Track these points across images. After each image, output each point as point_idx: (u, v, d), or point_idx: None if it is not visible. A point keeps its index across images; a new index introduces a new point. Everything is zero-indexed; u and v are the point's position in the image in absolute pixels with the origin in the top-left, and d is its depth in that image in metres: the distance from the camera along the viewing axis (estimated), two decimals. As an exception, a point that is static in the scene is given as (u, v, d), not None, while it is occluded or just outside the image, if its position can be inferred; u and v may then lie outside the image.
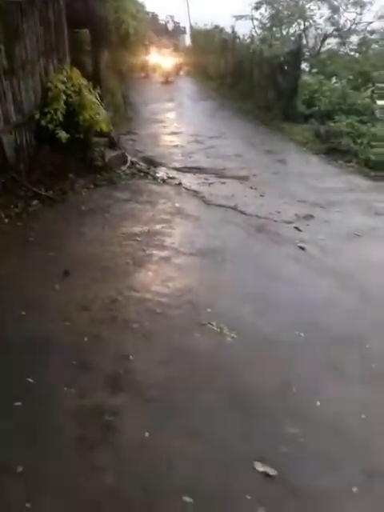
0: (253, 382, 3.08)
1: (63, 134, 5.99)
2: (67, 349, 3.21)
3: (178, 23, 33.61)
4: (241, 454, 2.53)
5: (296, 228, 5.99)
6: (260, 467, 2.43)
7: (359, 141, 10.52)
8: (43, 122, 5.86)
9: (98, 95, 6.66)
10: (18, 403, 2.64)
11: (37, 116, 5.82)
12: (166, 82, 18.44)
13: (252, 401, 2.93)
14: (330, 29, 23.65)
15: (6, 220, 5.13)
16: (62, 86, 5.99)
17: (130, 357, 3.19)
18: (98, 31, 9.10)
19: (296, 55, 12.18)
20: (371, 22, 23.17)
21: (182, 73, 21.04)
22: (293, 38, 22.22)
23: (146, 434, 2.55)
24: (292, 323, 3.77)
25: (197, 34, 23.18)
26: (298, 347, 3.49)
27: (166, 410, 2.76)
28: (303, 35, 13.41)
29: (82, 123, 6.31)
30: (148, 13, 24.33)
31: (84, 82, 6.50)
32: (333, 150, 10.22)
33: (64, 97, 6.02)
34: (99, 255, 4.75)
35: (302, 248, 5.38)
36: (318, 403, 2.93)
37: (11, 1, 5.22)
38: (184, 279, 4.41)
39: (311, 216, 6.49)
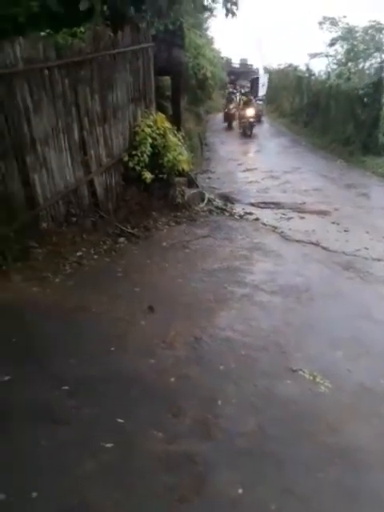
0: (352, 436, 2.78)
1: (149, 175, 6.24)
2: (154, 389, 3.15)
3: (251, 65, 34.79)
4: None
5: (387, 266, 5.58)
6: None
7: None
8: (131, 164, 6.15)
9: (180, 137, 6.90)
10: (109, 444, 2.59)
11: (125, 158, 6.13)
12: (248, 136, 16.43)
13: (353, 457, 2.63)
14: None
15: (96, 256, 5.35)
16: (148, 130, 6.30)
17: (219, 402, 3.04)
18: (179, 77, 9.56)
19: (377, 87, 11.84)
20: None
21: (263, 120, 19.59)
22: (368, 72, 21.93)
23: (240, 491, 2.36)
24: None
25: (270, 74, 23.65)
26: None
27: (260, 463, 2.56)
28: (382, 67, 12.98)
29: (166, 164, 6.54)
30: (222, 57, 25.49)
31: (168, 125, 6.78)
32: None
33: (150, 140, 6.31)
34: (181, 291, 4.75)
35: (395, 288, 4.97)
36: None
37: (105, 54, 5.65)
38: (268, 319, 4.23)
39: (403, 253, 6.03)
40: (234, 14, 5.69)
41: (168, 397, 3.07)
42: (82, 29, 5.49)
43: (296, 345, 3.74)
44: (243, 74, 32.12)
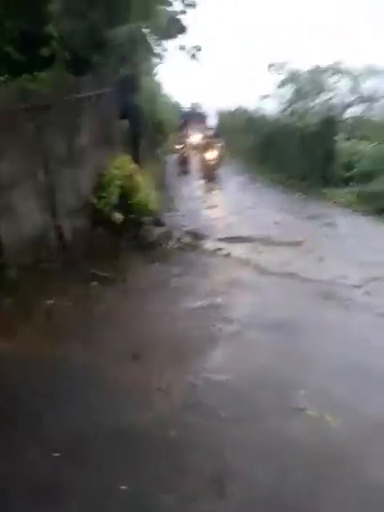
0: (377, 478, 2.57)
1: (118, 216, 6.09)
2: (154, 445, 2.84)
3: (202, 108, 36.29)
4: None
5: (367, 293, 5.59)
6: None
7: (406, 200, 10.31)
8: (99, 206, 5.98)
9: (147, 178, 6.85)
10: (114, 518, 2.25)
11: (93, 200, 5.96)
12: (211, 180, 15.34)
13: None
14: (350, 98, 24.78)
15: (68, 303, 5.02)
16: (115, 172, 6.20)
17: (226, 452, 2.77)
18: (137, 121, 9.71)
19: (330, 122, 12.52)
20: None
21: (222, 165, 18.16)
22: (313, 111, 23.46)
23: None
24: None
25: (221, 117, 24.63)
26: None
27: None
28: (337, 105, 13.84)
29: (136, 204, 6.43)
30: (174, 101, 26.41)
31: (134, 166, 6.73)
32: (381, 211, 9.99)
33: (118, 181, 6.20)
34: (167, 334, 4.49)
35: (381, 315, 4.94)
36: None
37: (69, 98, 5.58)
38: (263, 356, 4.03)
39: (380, 279, 6.09)
40: (196, 58, 5.87)
41: (172, 453, 2.77)
42: (44, 74, 5.42)
43: (296, 382, 3.55)
44: (195, 117, 33.42)
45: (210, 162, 15.46)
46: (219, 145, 16.98)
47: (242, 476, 2.59)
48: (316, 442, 2.88)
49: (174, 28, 7.16)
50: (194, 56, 5.89)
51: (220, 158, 16.63)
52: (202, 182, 15.66)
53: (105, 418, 3.09)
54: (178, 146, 18.00)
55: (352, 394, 3.39)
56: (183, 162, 17.66)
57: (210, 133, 19.92)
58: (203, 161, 15.86)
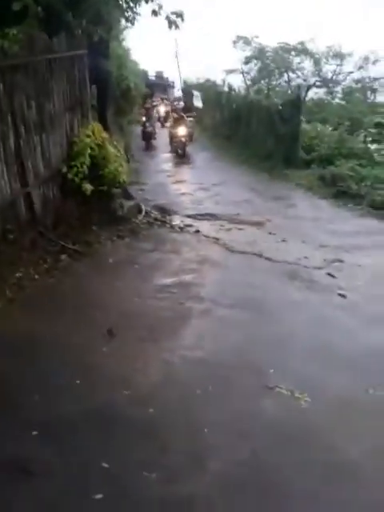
0: (345, 453, 2.78)
1: (89, 187, 5.91)
2: (134, 423, 2.89)
3: (167, 78, 35.23)
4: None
5: (329, 274, 5.85)
6: None
7: (363, 183, 10.71)
8: (70, 175, 5.77)
9: (119, 148, 6.64)
10: (99, 495, 2.30)
11: (64, 170, 5.73)
12: (180, 156, 14.67)
13: (354, 475, 2.62)
14: (312, 80, 25.07)
15: (37, 276, 4.88)
16: (87, 140, 5.97)
17: (205, 430, 2.88)
18: (106, 87, 9.29)
19: (296, 103, 12.61)
20: (351, 72, 24.65)
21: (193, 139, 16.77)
22: (278, 89, 23.53)
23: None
24: (363, 380, 3.52)
25: (189, 88, 24.09)
26: (379, 408, 3.22)
27: (266, 494, 2.44)
28: (301, 86, 13.93)
29: (107, 175, 6.25)
30: (141, 69, 25.45)
31: (106, 135, 6.50)
32: (340, 194, 10.35)
33: (89, 150, 5.97)
34: (139, 311, 4.51)
35: (342, 295, 5.21)
36: None
37: (41, 59, 5.25)
38: (234, 334, 4.16)
39: (340, 260, 6.39)
40: (177, 26, 5.65)
41: (151, 431, 2.84)
42: (15, 31, 5.03)
43: (266, 360, 3.71)
44: (160, 87, 32.36)
45: (180, 138, 14.52)
46: (190, 119, 16.04)
47: (220, 454, 2.71)
48: (288, 420, 3.05)
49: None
50: (173, 23, 5.65)
51: (191, 135, 15.64)
52: (170, 157, 15.04)
53: (80, 398, 3.09)
54: (143, 118, 16.71)
55: (317, 372, 3.59)
56: (148, 137, 16.34)
57: (180, 105, 18.47)
58: (173, 136, 14.86)
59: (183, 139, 14.56)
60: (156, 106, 19.22)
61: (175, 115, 15.83)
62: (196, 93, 20.00)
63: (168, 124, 17.89)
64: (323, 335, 4.19)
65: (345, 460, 2.69)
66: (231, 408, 3.13)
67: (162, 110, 19.70)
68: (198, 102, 19.53)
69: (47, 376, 3.31)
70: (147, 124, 16.32)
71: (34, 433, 2.68)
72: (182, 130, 14.62)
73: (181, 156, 14.59)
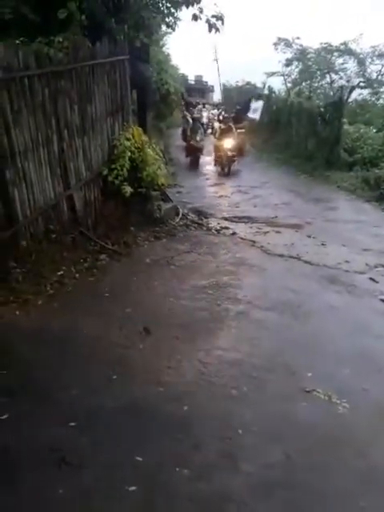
0: (381, 459, 2.69)
1: (128, 189, 6.03)
2: (168, 419, 2.92)
3: (207, 82, 35.41)
4: None
5: (371, 279, 5.67)
6: None
7: (409, 187, 10.32)
8: (110, 178, 5.91)
9: (158, 151, 6.75)
10: (133, 487, 2.34)
11: (105, 172, 5.89)
12: (225, 174, 12.67)
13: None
14: (355, 80, 24.37)
15: (77, 275, 5.03)
16: (127, 143, 6.10)
17: (239, 431, 2.86)
18: (146, 92, 9.49)
19: (337, 106, 12.33)
20: (398, 73, 23.72)
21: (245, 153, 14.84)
22: (320, 91, 23.05)
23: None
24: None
25: (228, 91, 24.13)
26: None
27: (297, 496, 2.39)
28: (344, 87, 13.60)
29: (145, 178, 6.36)
30: (181, 74, 25.77)
31: (146, 138, 6.61)
32: (385, 197, 10.02)
33: (129, 153, 6.11)
34: (175, 310, 4.55)
35: (384, 301, 5.04)
36: None
37: (84, 65, 5.43)
38: (271, 337, 4.12)
39: (383, 265, 6.17)
40: (217, 29, 5.68)
41: (185, 428, 2.85)
42: (60, 38, 5.24)
43: (304, 364, 3.64)
44: (199, 91, 32.56)
45: (226, 152, 12.47)
46: (241, 130, 14.04)
47: (253, 454, 2.68)
48: (324, 423, 2.99)
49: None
50: (213, 26, 5.68)
51: (241, 149, 13.56)
52: (214, 171, 13.14)
53: (116, 392, 3.15)
54: (187, 128, 14.65)
55: (356, 377, 3.48)
56: (194, 152, 13.42)
57: (229, 115, 15.40)
58: (218, 150, 12.75)
59: (229, 153, 12.47)
60: (198, 112, 16.93)
61: (222, 125, 13.67)
62: (255, 103, 17.24)
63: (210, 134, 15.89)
64: (363, 341, 4.06)
65: (380, 466, 2.59)
66: (266, 410, 3.09)
67: (205, 116, 17.29)
68: (255, 114, 17.16)
69: (85, 371, 3.40)
70: (193, 136, 13.38)
71: (72, 424, 2.76)
72: (228, 143, 12.52)
73: (226, 173, 12.69)
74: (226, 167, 12.62)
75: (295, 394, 3.26)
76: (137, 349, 3.75)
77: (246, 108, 16.85)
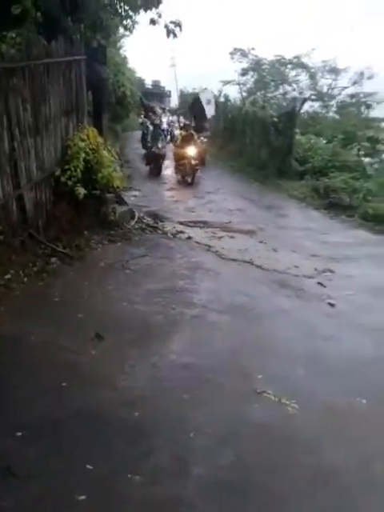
0: (330, 458, 2.79)
1: (82, 191, 5.90)
2: (119, 425, 2.88)
3: (164, 87, 35.46)
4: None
5: (319, 283, 5.90)
6: None
7: (355, 196, 10.85)
8: (63, 179, 5.77)
9: (114, 153, 6.68)
10: (83, 496, 2.28)
11: (57, 173, 5.73)
12: (188, 184, 12.05)
13: (337, 479, 2.63)
14: (307, 93, 25.40)
15: (26, 279, 4.86)
16: (82, 144, 5.98)
17: (191, 433, 2.87)
18: (102, 93, 9.36)
19: (291, 116, 12.77)
20: (346, 87, 25.02)
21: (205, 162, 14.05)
22: (274, 101, 23.83)
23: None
24: (349, 387, 3.54)
25: (185, 97, 24.27)
26: (364, 416, 3.23)
27: (249, 497, 2.43)
28: (297, 99, 14.10)
29: (100, 180, 6.26)
30: (137, 77, 25.67)
31: (101, 140, 6.53)
32: (333, 205, 10.47)
33: (83, 154, 5.99)
34: (129, 315, 4.51)
35: (331, 304, 5.25)
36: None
37: (39, 63, 5.28)
38: (223, 340, 4.18)
39: (330, 270, 6.44)
40: (175, 35, 5.73)
41: (137, 433, 2.83)
42: (13, 34, 5.08)
43: (256, 366, 3.72)
44: (156, 96, 32.52)
45: (189, 161, 11.81)
46: (203, 138, 13.54)
47: (205, 457, 2.70)
48: (274, 424, 3.06)
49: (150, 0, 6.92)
50: (171, 32, 5.73)
51: (203, 157, 12.82)
52: (173, 177, 12.64)
53: (66, 399, 3.07)
54: (146, 132, 13.98)
55: (306, 379, 3.61)
56: (155, 159, 12.74)
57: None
58: (180, 158, 12.09)
59: (193, 162, 11.84)
60: (159, 118, 15.68)
61: (183, 132, 12.89)
62: (208, 97, 15.99)
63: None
64: (311, 343, 4.22)
65: (328, 464, 2.69)
66: (218, 412, 3.13)
67: (164, 122, 16.04)
68: (210, 110, 16.11)
69: (34, 378, 3.28)
70: (155, 143, 12.65)
71: (19, 434, 2.65)
72: (191, 151, 11.85)
73: (189, 182, 12.04)
74: (189, 176, 12.03)
75: (247, 396, 3.33)
76: (89, 355, 3.68)
77: (202, 112, 15.70)
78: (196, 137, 12.58)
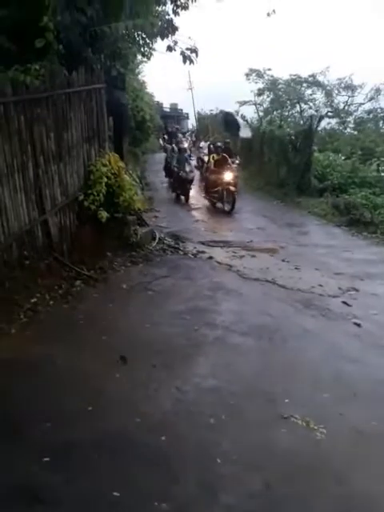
0: (361, 486, 2.69)
1: (104, 214, 6.04)
2: (146, 451, 2.85)
3: (181, 110, 36.26)
4: None
5: (344, 302, 5.78)
6: None
7: (376, 212, 10.70)
8: (86, 203, 5.91)
9: (135, 177, 6.82)
10: (110, 526, 2.25)
11: (80, 197, 5.88)
12: (226, 212, 11.34)
13: (368, 509, 2.53)
14: (324, 110, 25.53)
15: (52, 302, 4.94)
16: (103, 169, 6.14)
17: (218, 460, 2.82)
18: (122, 119, 9.63)
19: (308, 134, 12.81)
20: (362, 104, 25.04)
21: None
22: (291, 120, 24.02)
23: None
24: (378, 411, 3.42)
25: (202, 119, 24.72)
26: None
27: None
28: (313, 116, 14.16)
29: (122, 203, 6.39)
30: (156, 101, 26.34)
31: (122, 164, 6.67)
32: (354, 222, 10.34)
33: (105, 179, 6.14)
34: (152, 337, 4.50)
35: (357, 324, 5.13)
36: None
37: (61, 92, 5.48)
38: (247, 363, 4.12)
39: (355, 289, 6.32)
40: (191, 61, 5.88)
41: (163, 460, 2.79)
42: (36, 66, 5.30)
43: (281, 390, 3.65)
44: (174, 118, 33.28)
45: (227, 187, 10.98)
46: (236, 163, 12.59)
47: (233, 485, 2.64)
48: (302, 451, 2.98)
49: (166, 28, 7.16)
50: (187, 58, 5.89)
51: (236, 183, 11.44)
52: (204, 209, 11.86)
53: (92, 424, 3.06)
54: (173, 156, 13.49)
55: (333, 403, 3.51)
56: (183, 184, 12.24)
57: (221, 144, 13.20)
58: (215, 184, 11.25)
59: (232, 189, 10.92)
60: (182, 142, 15.44)
61: (215, 156, 12.10)
62: (241, 121, 15.19)
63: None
64: (338, 365, 4.11)
65: (358, 493, 2.59)
66: (244, 438, 3.06)
67: (186, 146, 15.16)
68: (246, 133, 15.49)
69: (59, 402, 3.29)
70: (182, 167, 12.02)
71: (45, 459, 2.66)
72: (228, 176, 10.94)
73: (227, 211, 11.15)
74: (228, 204, 11.08)
75: (273, 421, 3.25)
76: (113, 378, 3.68)
77: (235, 127, 14.84)
78: (229, 160, 11.81)
